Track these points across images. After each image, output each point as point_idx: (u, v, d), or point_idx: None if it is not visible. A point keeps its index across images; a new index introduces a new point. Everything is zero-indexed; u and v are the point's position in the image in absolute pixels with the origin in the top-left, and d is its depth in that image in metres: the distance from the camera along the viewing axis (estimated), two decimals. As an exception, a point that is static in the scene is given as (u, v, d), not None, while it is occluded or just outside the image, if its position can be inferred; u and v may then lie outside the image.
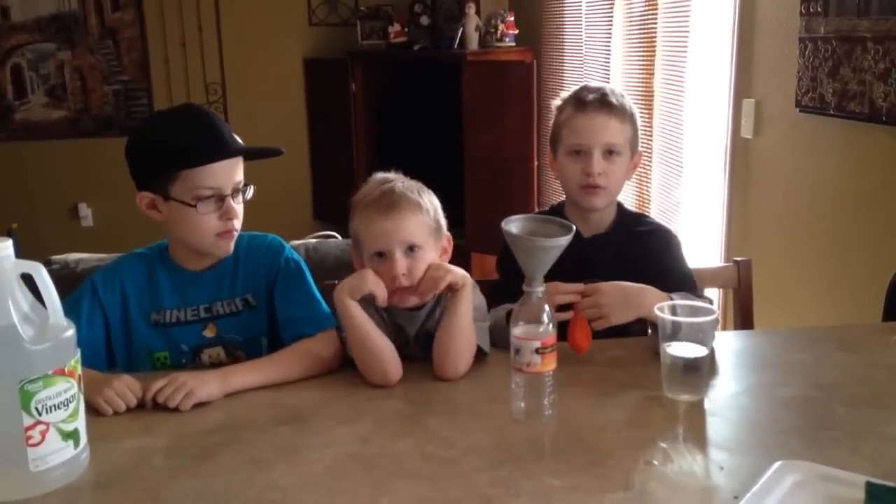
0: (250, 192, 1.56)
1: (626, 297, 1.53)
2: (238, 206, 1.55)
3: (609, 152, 1.70)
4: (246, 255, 1.61)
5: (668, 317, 1.34)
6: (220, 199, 1.51)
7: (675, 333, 1.34)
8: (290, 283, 1.59)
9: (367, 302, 1.50)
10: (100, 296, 1.56)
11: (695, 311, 1.36)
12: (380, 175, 1.56)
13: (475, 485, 1.10)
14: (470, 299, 1.47)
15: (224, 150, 1.52)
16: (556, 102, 1.81)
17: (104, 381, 1.35)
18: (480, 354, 1.50)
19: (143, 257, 1.61)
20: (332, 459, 1.18)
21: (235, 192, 1.53)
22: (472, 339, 1.48)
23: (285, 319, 1.56)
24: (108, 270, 1.60)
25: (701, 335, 1.34)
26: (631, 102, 1.78)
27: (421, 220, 1.49)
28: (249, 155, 1.57)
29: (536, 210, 1.91)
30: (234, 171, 1.53)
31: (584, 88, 1.76)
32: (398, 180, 1.53)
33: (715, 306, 1.62)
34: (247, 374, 1.43)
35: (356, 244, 1.54)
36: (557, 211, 1.79)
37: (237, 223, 1.55)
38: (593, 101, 1.71)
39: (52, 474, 1.12)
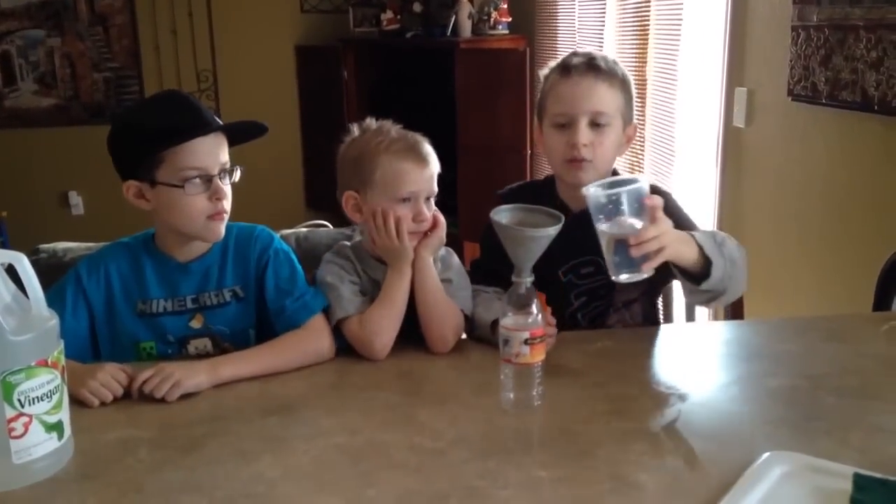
0: (238, 174, 1.54)
1: (676, 233, 1.35)
2: (226, 188, 1.53)
3: (597, 122, 1.57)
4: (235, 247, 1.59)
5: (599, 191, 1.26)
6: (208, 180, 1.49)
7: (611, 209, 1.27)
8: (280, 274, 1.58)
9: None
10: (84, 285, 1.54)
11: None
12: (375, 122, 1.59)
13: (462, 476, 1.10)
14: (429, 265, 1.53)
15: (206, 127, 1.50)
16: (544, 71, 1.69)
17: (88, 371, 1.34)
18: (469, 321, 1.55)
19: (128, 247, 1.60)
20: (319, 451, 1.18)
21: (222, 173, 1.52)
22: (449, 306, 1.52)
23: (276, 310, 1.55)
24: (93, 259, 1.59)
25: (636, 206, 1.27)
26: (624, 69, 1.64)
27: (437, 172, 1.57)
28: (233, 135, 1.55)
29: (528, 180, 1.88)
30: (218, 150, 1.51)
31: (572, 53, 1.65)
32: (399, 128, 1.59)
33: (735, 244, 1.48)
34: (236, 365, 1.43)
35: (366, 186, 1.54)
36: (549, 183, 1.71)
37: (227, 204, 1.53)
38: (579, 66, 1.58)
39: (36, 466, 1.11)
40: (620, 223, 1.27)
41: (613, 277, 1.31)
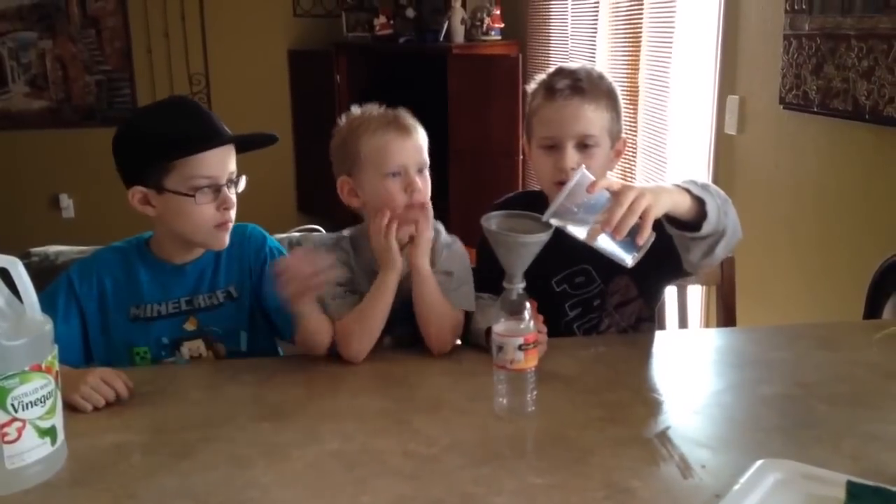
0: (243, 183, 1.55)
1: (653, 187, 1.34)
2: (233, 197, 1.53)
3: (584, 144, 1.56)
4: (228, 247, 1.59)
5: (550, 211, 1.25)
6: (216, 189, 1.49)
7: (574, 216, 1.26)
8: None
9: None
10: (76, 290, 1.53)
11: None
12: (360, 108, 1.60)
13: (457, 483, 1.10)
14: (426, 275, 1.51)
15: (219, 138, 1.51)
16: (531, 86, 1.66)
17: (79, 376, 1.33)
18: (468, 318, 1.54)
19: (121, 251, 1.59)
20: (313, 457, 1.17)
21: (230, 182, 1.52)
22: (446, 309, 1.51)
23: (277, 306, 1.53)
24: (85, 264, 1.58)
25: (592, 202, 1.25)
26: (611, 83, 1.62)
27: (425, 143, 1.57)
28: (243, 144, 1.56)
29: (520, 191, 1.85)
30: (228, 160, 1.52)
31: (558, 72, 1.61)
32: (381, 107, 1.60)
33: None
34: None
35: (355, 167, 1.55)
36: (542, 195, 1.66)
37: (233, 214, 1.54)
38: (563, 89, 1.56)
39: (29, 472, 1.10)
40: (587, 222, 1.26)
41: (627, 266, 1.28)
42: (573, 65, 1.66)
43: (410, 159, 1.53)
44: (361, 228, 1.62)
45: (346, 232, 1.66)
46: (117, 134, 1.53)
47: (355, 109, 1.61)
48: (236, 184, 1.53)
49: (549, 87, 1.59)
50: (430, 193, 1.55)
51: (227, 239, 1.55)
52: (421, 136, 1.56)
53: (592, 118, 1.56)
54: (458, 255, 1.61)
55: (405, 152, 1.52)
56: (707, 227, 1.36)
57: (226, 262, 1.59)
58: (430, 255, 1.56)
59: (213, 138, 1.50)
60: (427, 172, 1.56)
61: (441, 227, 1.63)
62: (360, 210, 1.61)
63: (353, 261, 1.59)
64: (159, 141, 1.48)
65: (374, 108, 1.59)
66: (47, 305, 1.43)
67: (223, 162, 1.50)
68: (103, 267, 1.57)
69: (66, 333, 1.49)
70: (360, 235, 1.61)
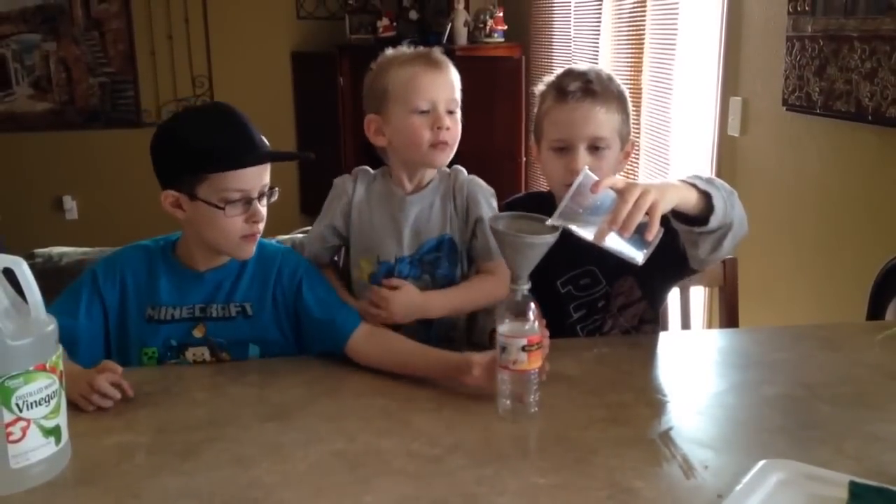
0: (275, 195, 1.54)
1: (658, 183, 1.33)
2: (263, 210, 1.52)
3: (595, 146, 1.56)
4: (256, 265, 1.57)
5: (557, 213, 1.24)
6: (247, 201, 1.49)
7: (581, 218, 1.25)
8: (318, 289, 1.57)
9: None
10: (100, 286, 1.53)
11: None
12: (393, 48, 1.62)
13: (460, 483, 1.10)
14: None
15: (253, 155, 1.49)
16: (540, 87, 1.66)
17: (81, 376, 1.33)
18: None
19: (147, 250, 1.58)
20: (316, 457, 1.18)
21: (261, 194, 1.51)
22: (478, 295, 1.57)
23: (327, 320, 1.53)
24: (109, 261, 1.58)
25: (598, 203, 1.24)
26: (620, 85, 1.62)
27: (458, 82, 1.57)
28: (276, 159, 1.55)
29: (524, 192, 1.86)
30: (262, 174, 1.51)
31: (568, 74, 1.61)
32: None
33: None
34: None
35: (383, 104, 1.56)
36: (550, 195, 1.67)
37: (261, 226, 1.53)
38: (575, 91, 1.56)
39: (33, 471, 1.11)
40: (593, 223, 1.25)
41: (638, 263, 1.27)
42: (582, 66, 1.66)
43: (440, 95, 1.51)
44: (384, 170, 1.64)
45: (368, 169, 1.67)
46: (155, 136, 1.52)
47: (389, 50, 1.61)
48: (269, 196, 1.53)
49: (559, 89, 1.59)
50: (459, 137, 1.54)
51: (252, 250, 1.53)
52: (453, 74, 1.55)
53: (604, 120, 1.56)
54: (482, 190, 1.63)
55: (434, 87, 1.51)
56: (714, 221, 1.35)
57: (249, 278, 1.57)
58: (452, 193, 1.62)
59: (249, 153, 1.48)
60: (459, 115, 1.54)
61: (461, 168, 1.65)
62: (383, 152, 1.61)
63: (365, 191, 1.62)
64: (193, 151, 1.47)
65: (406, 47, 1.60)
66: (72, 300, 1.48)
67: (258, 176, 1.49)
68: (127, 264, 1.57)
69: (90, 328, 1.50)
70: (382, 179, 1.63)
